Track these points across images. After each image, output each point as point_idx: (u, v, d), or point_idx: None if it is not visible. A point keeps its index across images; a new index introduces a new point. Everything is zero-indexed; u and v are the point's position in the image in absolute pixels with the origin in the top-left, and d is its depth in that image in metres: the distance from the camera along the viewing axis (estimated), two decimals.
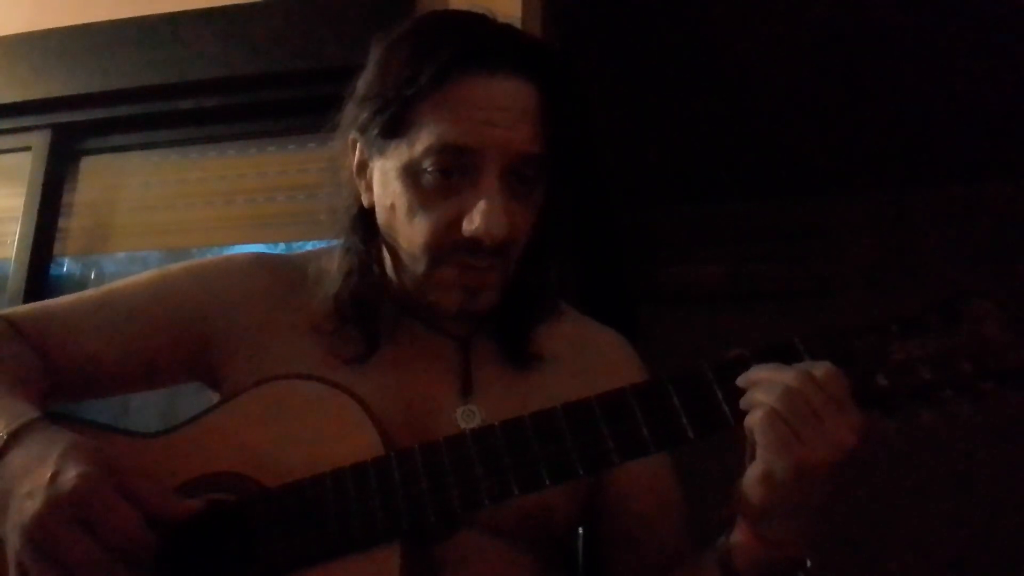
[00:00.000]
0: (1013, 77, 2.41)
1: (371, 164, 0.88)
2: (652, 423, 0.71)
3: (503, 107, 0.81)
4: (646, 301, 2.98)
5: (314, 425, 0.78)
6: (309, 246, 1.28)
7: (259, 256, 0.99)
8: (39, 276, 1.82)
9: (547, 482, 0.71)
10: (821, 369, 0.68)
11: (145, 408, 1.79)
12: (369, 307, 0.88)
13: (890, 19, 2.25)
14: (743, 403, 0.70)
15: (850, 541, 2.68)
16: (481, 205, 0.80)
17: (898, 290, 2.77)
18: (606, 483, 0.90)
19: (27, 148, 1.91)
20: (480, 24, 0.86)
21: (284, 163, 1.86)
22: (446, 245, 0.82)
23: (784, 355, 0.70)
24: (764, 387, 0.69)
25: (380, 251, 0.91)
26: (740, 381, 0.71)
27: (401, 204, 0.84)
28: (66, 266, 1.95)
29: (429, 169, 0.81)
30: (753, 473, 0.70)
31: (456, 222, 0.81)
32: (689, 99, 2.61)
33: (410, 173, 0.82)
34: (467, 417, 0.85)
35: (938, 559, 2.64)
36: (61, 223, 1.90)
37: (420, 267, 0.84)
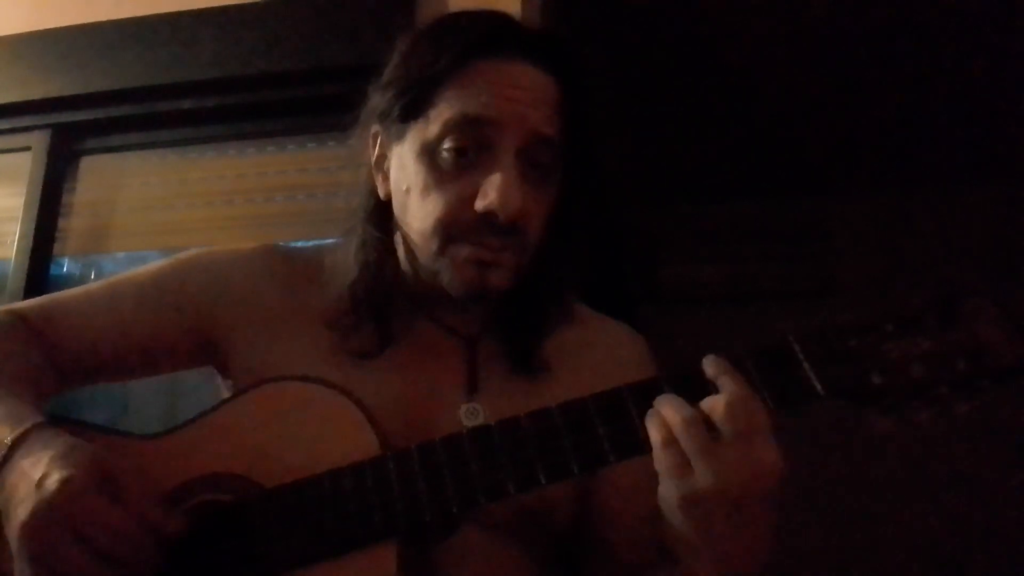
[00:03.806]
0: (1012, 77, 2.41)
1: (389, 155, 0.89)
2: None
3: (522, 87, 0.83)
4: (646, 301, 2.98)
5: (313, 426, 0.78)
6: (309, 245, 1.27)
7: (270, 247, 0.99)
8: (39, 276, 1.82)
9: (543, 481, 0.71)
10: (735, 395, 0.66)
11: (145, 408, 1.79)
12: (382, 301, 0.88)
13: (890, 19, 2.25)
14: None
15: (850, 541, 2.69)
16: (495, 179, 0.80)
17: (899, 290, 2.77)
18: (601, 482, 0.89)
19: (27, 148, 1.91)
20: (504, 18, 0.88)
21: (284, 163, 1.86)
22: (459, 223, 0.82)
23: (779, 355, 0.70)
24: (670, 406, 0.68)
25: (395, 245, 0.91)
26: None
27: (416, 185, 0.84)
28: (66, 266, 1.95)
29: (446, 147, 0.82)
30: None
31: (470, 199, 0.81)
32: (689, 99, 2.61)
33: (427, 153, 0.83)
34: (471, 415, 0.86)
35: (938, 559, 2.63)
36: (61, 223, 1.90)
37: (432, 247, 0.84)
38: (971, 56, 2.35)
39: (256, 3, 1.78)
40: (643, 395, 0.71)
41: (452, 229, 0.82)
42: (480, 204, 0.80)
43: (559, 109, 0.85)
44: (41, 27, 1.89)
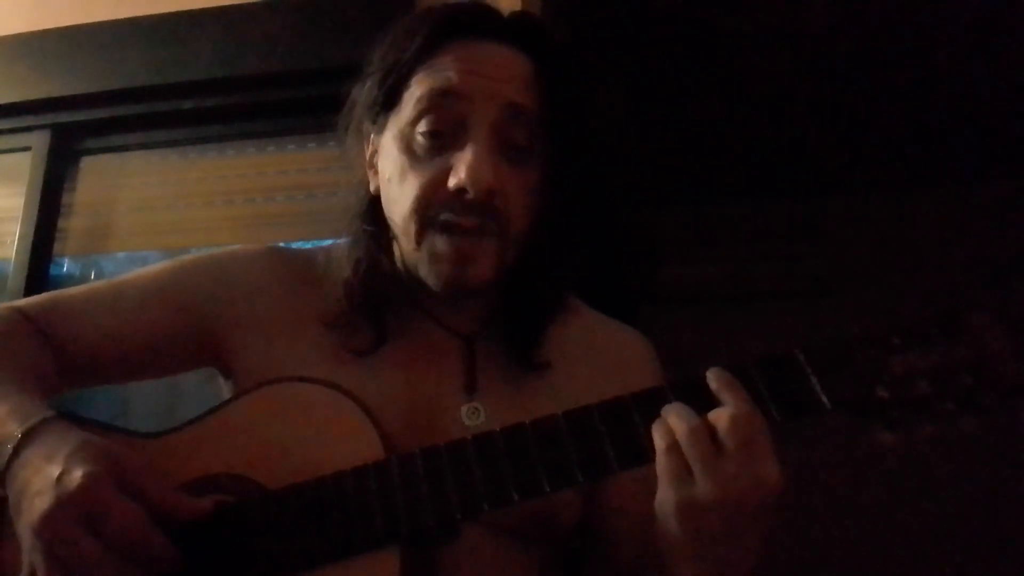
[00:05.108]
0: (1012, 77, 2.41)
1: (379, 151, 0.89)
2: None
3: (492, 63, 0.83)
4: (646, 301, 2.98)
5: (315, 428, 0.78)
6: (309, 246, 1.28)
7: (272, 248, 1.00)
8: (39, 276, 1.82)
9: (547, 489, 0.71)
10: (739, 410, 0.67)
11: (145, 408, 1.79)
12: (378, 297, 0.88)
13: (890, 19, 2.25)
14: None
15: (851, 543, 2.69)
16: (465, 154, 0.81)
17: (898, 290, 2.77)
18: (605, 484, 0.89)
19: (27, 148, 1.92)
20: (476, 4, 0.89)
21: (283, 163, 1.86)
22: (434, 203, 0.82)
23: (785, 366, 0.69)
24: (676, 414, 0.68)
25: (389, 242, 0.91)
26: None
27: (395, 172, 0.85)
28: (66, 266, 1.95)
29: (420, 131, 0.83)
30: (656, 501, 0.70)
31: (443, 179, 0.81)
32: (689, 98, 2.61)
33: (404, 138, 0.84)
34: (471, 415, 0.86)
35: (938, 560, 2.64)
36: (61, 223, 1.90)
37: (411, 235, 0.84)
38: (971, 56, 2.35)
39: (255, 3, 1.78)
40: (648, 404, 0.71)
41: (427, 211, 0.82)
42: (451, 181, 0.80)
43: (533, 85, 0.85)
44: (41, 27, 1.88)
